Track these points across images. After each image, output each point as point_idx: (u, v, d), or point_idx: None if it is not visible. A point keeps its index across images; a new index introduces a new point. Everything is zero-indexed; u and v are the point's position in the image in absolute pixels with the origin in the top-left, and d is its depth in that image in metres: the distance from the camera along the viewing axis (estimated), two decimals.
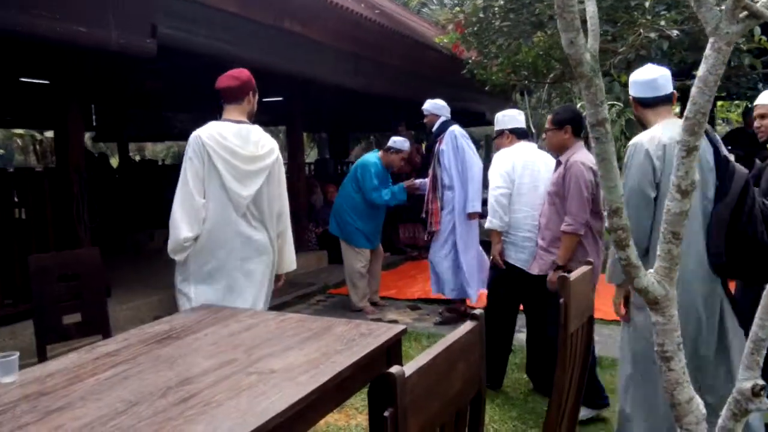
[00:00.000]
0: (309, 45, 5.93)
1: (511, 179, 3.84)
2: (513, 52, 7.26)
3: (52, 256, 3.20)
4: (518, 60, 7.70)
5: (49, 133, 19.34)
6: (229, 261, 3.04)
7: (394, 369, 1.00)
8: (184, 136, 4.41)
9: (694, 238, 2.49)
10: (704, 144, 2.52)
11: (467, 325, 1.27)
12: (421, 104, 5.53)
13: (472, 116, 11.51)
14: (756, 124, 3.23)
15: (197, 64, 6.53)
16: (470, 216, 5.18)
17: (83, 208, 4.66)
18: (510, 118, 4.19)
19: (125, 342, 2.20)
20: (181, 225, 2.97)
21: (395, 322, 5.24)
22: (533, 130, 8.51)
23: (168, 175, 10.13)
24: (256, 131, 3.19)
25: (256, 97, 3.30)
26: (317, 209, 8.59)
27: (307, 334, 2.28)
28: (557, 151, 3.58)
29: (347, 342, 2.16)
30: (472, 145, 5.45)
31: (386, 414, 0.99)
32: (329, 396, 1.91)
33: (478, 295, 5.30)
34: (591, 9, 1.19)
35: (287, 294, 6.14)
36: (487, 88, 8.31)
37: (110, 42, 3.72)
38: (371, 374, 2.17)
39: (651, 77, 2.70)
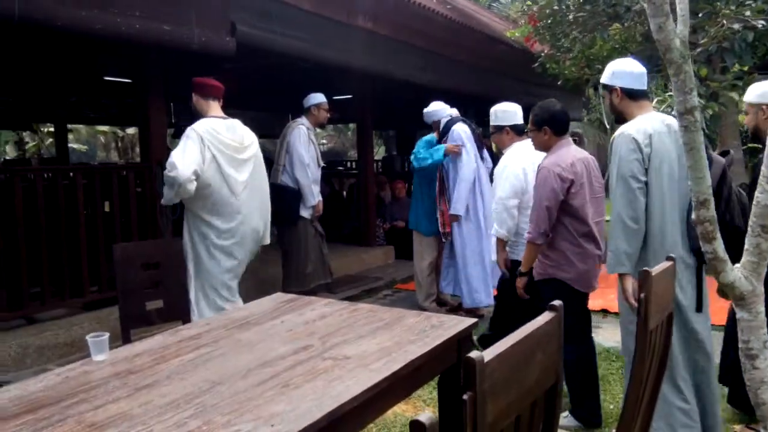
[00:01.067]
0: (380, 41, 5.98)
1: (522, 190, 3.86)
2: (587, 46, 7.10)
3: (135, 246, 3.37)
4: (593, 53, 7.51)
5: (131, 130, 20.26)
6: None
7: (474, 354, 1.01)
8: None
9: (677, 224, 2.61)
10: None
11: (546, 316, 1.26)
12: (491, 99, 5.46)
13: None
14: (745, 120, 3.29)
15: (265, 63, 6.71)
16: (453, 218, 5.11)
17: None
18: (511, 113, 4.14)
19: (207, 326, 2.29)
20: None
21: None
22: (607, 127, 8.28)
23: None
24: (240, 124, 3.79)
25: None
26: (385, 205, 8.65)
27: (378, 323, 2.31)
28: (543, 151, 3.44)
29: (419, 333, 2.18)
30: (474, 145, 5.24)
31: (465, 397, 1.00)
32: (401, 384, 1.93)
33: (490, 300, 5.10)
34: None
35: (354, 288, 6.22)
36: (559, 83, 8.14)
37: (192, 40, 3.87)
38: (442, 366, 2.18)
39: (641, 71, 2.76)
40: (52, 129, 15.23)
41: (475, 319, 2.35)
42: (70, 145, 14.17)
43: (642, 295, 1.72)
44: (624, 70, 2.79)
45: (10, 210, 4.07)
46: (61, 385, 1.80)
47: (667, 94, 5.34)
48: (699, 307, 2.63)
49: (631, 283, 2.66)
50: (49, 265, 4.24)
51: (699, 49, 5.16)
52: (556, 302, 1.28)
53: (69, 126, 13.45)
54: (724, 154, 2.80)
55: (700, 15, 5.23)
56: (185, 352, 2.02)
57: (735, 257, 2.49)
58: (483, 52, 7.95)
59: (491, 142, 4.61)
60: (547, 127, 3.33)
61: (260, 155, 3.86)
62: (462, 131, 5.21)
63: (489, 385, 1.03)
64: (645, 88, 2.78)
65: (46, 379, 1.85)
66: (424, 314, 2.44)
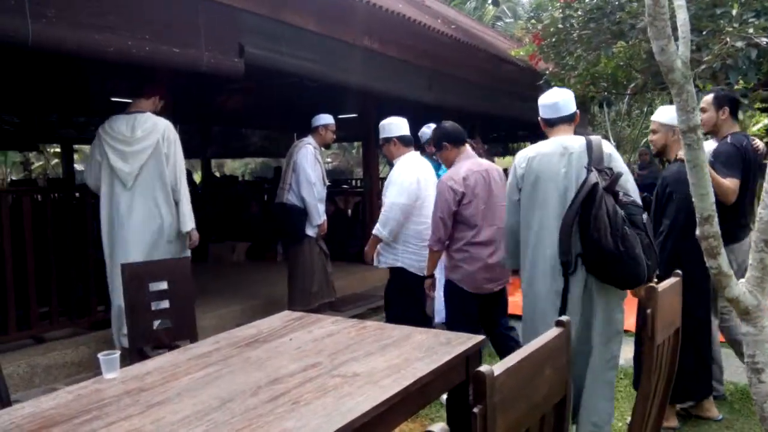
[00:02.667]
0: (385, 61, 6.05)
1: (416, 195, 4.08)
2: (592, 63, 7.15)
3: (144, 265, 3.38)
4: (597, 71, 7.56)
5: None
6: None
7: (484, 368, 1.03)
8: (261, 153, 4.66)
9: (553, 239, 2.85)
10: (582, 156, 2.87)
11: (554, 331, 1.28)
12: (496, 117, 5.52)
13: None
14: (650, 137, 3.59)
15: (272, 83, 6.79)
16: None
17: None
18: (396, 126, 4.30)
19: (216, 345, 2.31)
20: None
21: None
22: (612, 143, 8.32)
23: (248, 190, 10.52)
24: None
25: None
26: None
27: (387, 341, 2.32)
28: (449, 167, 3.87)
29: (427, 350, 2.19)
30: None
31: (475, 411, 1.02)
32: (410, 401, 1.94)
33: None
34: (682, 17, 1.19)
35: (360, 306, 6.22)
36: None
37: (202, 62, 3.93)
38: (450, 383, 2.19)
39: (553, 101, 3.05)
40: (57, 150, 15.37)
41: (482, 337, 2.36)
42: (75, 165, 14.27)
43: (648, 311, 1.73)
44: (541, 103, 3.11)
45: (19, 230, 4.11)
46: (74, 402, 1.82)
47: None
48: (563, 312, 2.83)
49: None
50: (57, 285, 4.26)
51: (703, 67, 5.19)
52: (564, 318, 1.30)
53: (75, 147, 13.57)
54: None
55: (703, 33, 5.27)
56: (195, 370, 2.04)
57: (602, 276, 2.80)
58: (488, 71, 8.02)
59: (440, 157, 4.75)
60: (446, 143, 3.79)
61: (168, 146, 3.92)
62: None
63: (499, 398, 1.05)
64: (556, 116, 3.05)
65: (59, 397, 1.88)
66: (432, 331, 2.45)
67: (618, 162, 2.95)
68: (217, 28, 4.08)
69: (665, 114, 3.41)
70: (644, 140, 15.05)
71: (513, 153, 20.17)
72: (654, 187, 4.69)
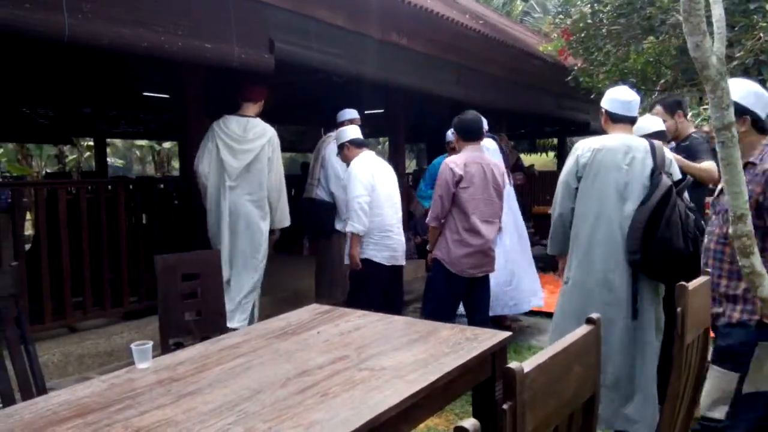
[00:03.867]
0: (413, 57, 6.04)
1: (372, 187, 4.28)
2: (621, 59, 7.06)
3: (176, 257, 3.43)
4: (627, 67, 7.46)
5: (167, 144, 20.69)
6: None
7: (514, 365, 1.04)
8: (288, 148, 4.77)
9: (609, 230, 2.93)
10: (646, 158, 2.95)
11: (584, 329, 1.28)
12: (523, 113, 5.51)
13: (577, 126, 11.24)
14: None
15: (300, 79, 6.82)
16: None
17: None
18: (347, 132, 4.56)
19: (246, 336, 2.35)
20: None
21: None
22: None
23: None
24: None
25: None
26: (416, 219, 8.66)
27: (413, 336, 2.33)
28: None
29: (453, 345, 2.20)
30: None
31: (505, 407, 1.02)
32: (436, 396, 1.95)
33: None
34: (717, 12, 1.18)
35: None
36: (592, 96, 8.09)
37: (233, 57, 3.98)
38: (476, 379, 2.19)
39: (628, 99, 3.11)
40: (91, 143, 15.65)
41: (509, 333, 2.36)
42: (108, 158, 14.51)
43: (678, 309, 1.72)
44: (611, 97, 3.17)
45: (54, 222, 4.20)
46: (108, 391, 1.87)
47: (702, 107, 5.29)
48: (635, 315, 2.91)
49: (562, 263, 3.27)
50: (90, 276, 4.36)
51: (735, 63, 5.09)
52: (594, 315, 1.29)
53: (107, 140, 13.79)
54: None
55: (736, 28, 5.17)
56: (226, 361, 2.07)
57: (673, 277, 2.72)
58: (516, 67, 7.97)
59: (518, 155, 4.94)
60: (457, 135, 4.13)
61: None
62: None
63: (529, 395, 1.05)
64: (626, 114, 3.11)
65: (93, 386, 1.92)
66: (458, 327, 2.45)
67: (676, 168, 3.06)
68: (247, 24, 4.13)
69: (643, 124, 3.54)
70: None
71: (539, 150, 20.01)
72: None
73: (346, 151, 4.51)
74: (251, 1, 4.17)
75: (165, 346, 3.12)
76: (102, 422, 1.63)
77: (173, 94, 6.76)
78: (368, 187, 4.26)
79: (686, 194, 3.02)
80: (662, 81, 7.67)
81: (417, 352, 2.13)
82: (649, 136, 3.38)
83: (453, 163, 3.93)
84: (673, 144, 3.72)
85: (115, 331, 4.37)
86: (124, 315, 4.62)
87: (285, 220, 4.51)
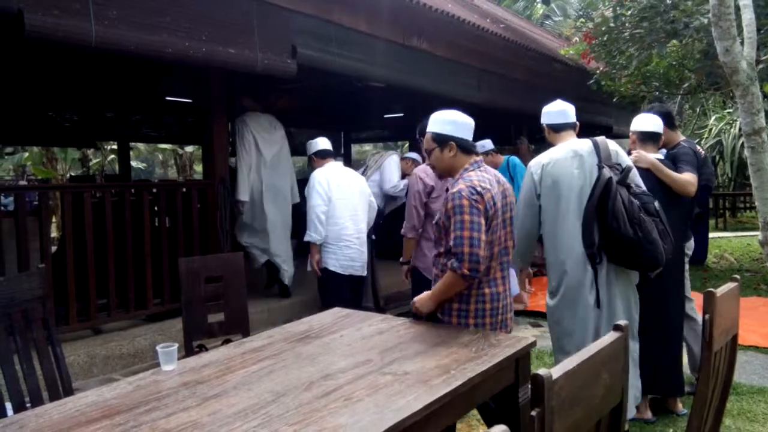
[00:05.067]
0: (434, 61, 6.05)
1: (329, 198, 4.36)
2: (644, 62, 7.00)
3: (200, 260, 3.46)
4: (649, 70, 7.41)
5: (189, 148, 20.88)
6: None
7: (542, 371, 1.03)
8: (305, 153, 4.99)
9: (576, 234, 3.05)
10: (591, 157, 3.10)
11: (612, 335, 1.27)
12: None
13: (599, 130, 11.14)
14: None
15: (323, 83, 6.86)
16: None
17: (225, 216, 5.02)
18: (313, 144, 4.71)
19: (269, 339, 2.36)
20: None
21: None
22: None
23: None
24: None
25: None
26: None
27: (436, 340, 2.33)
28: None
29: (476, 350, 2.19)
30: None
31: (534, 414, 1.02)
32: (459, 401, 1.95)
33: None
34: (747, 17, 1.17)
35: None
36: (614, 100, 8.03)
37: (256, 63, 4.01)
38: (499, 385, 2.19)
39: (561, 108, 3.32)
40: (114, 146, 15.84)
41: (533, 339, 2.35)
42: (131, 162, 14.67)
43: (706, 316, 1.70)
44: (546, 111, 3.37)
45: (79, 225, 4.26)
46: (134, 393, 1.89)
47: (726, 111, 5.25)
48: (597, 304, 3.06)
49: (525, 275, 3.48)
50: (115, 279, 4.41)
51: (762, 66, 5.03)
52: (622, 322, 1.29)
53: (130, 144, 13.94)
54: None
55: (761, 31, 5.11)
56: (250, 364, 2.09)
57: (630, 262, 3.01)
58: (537, 70, 7.93)
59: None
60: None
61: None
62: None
63: (557, 402, 1.05)
64: (565, 122, 3.31)
65: (120, 387, 1.95)
66: (481, 332, 2.45)
67: (624, 157, 3.19)
68: (270, 29, 4.16)
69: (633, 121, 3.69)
70: (696, 141, 14.63)
71: None
72: (707, 189, 4.69)
73: (314, 162, 4.67)
74: (274, 6, 4.21)
75: (188, 347, 3.15)
76: (129, 424, 1.65)
77: (196, 99, 6.83)
78: (325, 198, 4.34)
79: (638, 179, 3.15)
80: (685, 85, 7.59)
81: (440, 357, 2.13)
82: (643, 135, 3.54)
83: (423, 173, 3.95)
84: (664, 150, 3.75)
85: (139, 332, 4.41)
86: (148, 317, 4.67)
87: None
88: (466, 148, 2.66)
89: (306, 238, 4.40)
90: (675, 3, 6.09)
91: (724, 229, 13.03)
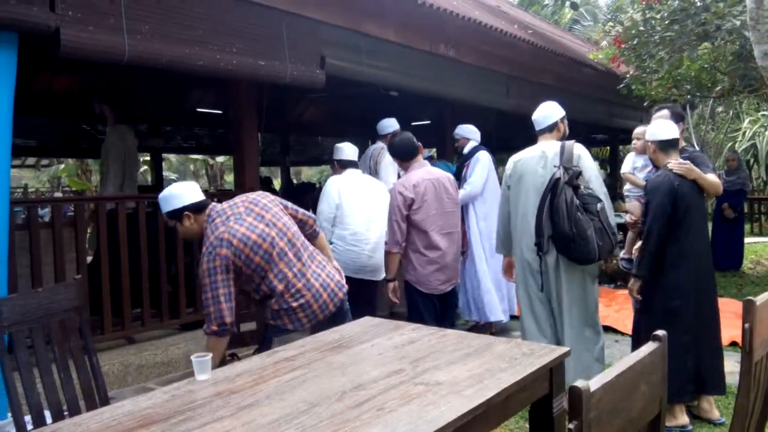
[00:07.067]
0: (462, 68, 6.04)
1: (336, 205, 4.38)
2: (674, 66, 6.90)
3: None
4: (680, 74, 7.29)
5: (220, 158, 21.15)
6: None
7: (580, 383, 1.02)
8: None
9: (532, 224, 3.58)
10: (555, 158, 3.53)
11: (650, 346, 1.25)
12: (573, 122, 5.43)
13: (628, 134, 10.99)
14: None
15: (350, 92, 6.89)
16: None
17: None
18: (339, 150, 4.67)
19: (301, 348, 2.37)
20: None
21: None
22: (696, 147, 7.99)
23: None
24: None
25: None
26: None
27: (468, 350, 2.31)
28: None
29: (510, 360, 2.17)
30: (494, 172, 5.60)
31: (571, 426, 1.01)
32: (493, 412, 1.93)
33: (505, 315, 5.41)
34: None
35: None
36: (645, 104, 7.92)
37: (285, 74, 4.05)
38: (533, 395, 2.16)
39: (533, 117, 3.81)
40: (147, 158, 16.11)
41: (567, 348, 2.32)
42: (164, 173, 14.90)
43: (746, 325, 1.66)
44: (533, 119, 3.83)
45: (114, 236, 4.34)
46: (169, 402, 1.91)
47: (760, 113, 5.15)
48: (541, 288, 3.62)
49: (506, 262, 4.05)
50: (149, 288, 4.48)
51: None
52: (660, 332, 1.26)
53: (162, 155, 14.16)
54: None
55: None
56: (282, 373, 2.10)
57: (569, 253, 3.44)
58: (566, 75, 7.86)
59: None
60: (397, 158, 4.23)
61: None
62: (487, 158, 5.47)
63: (595, 415, 1.03)
64: (537, 128, 3.79)
65: (155, 397, 1.97)
66: (514, 341, 2.42)
67: (586, 162, 3.60)
68: (299, 41, 4.20)
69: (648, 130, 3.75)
70: (729, 144, 14.35)
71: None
72: (741, 193, 4.62)
73: (335, 168, 4.70)
74: (303, 18, 4.25)
75: (221, 357, 3.18)
76: None
77: (227, 110, 6.91)
78: (332, 205, 4.40)
79: (596, 183, 3.56)
80: (718, 88, 7.46)
81: (472, 366, 2.11)
82: (663, 144, 3.49)
83: (402, 186, 3.96)
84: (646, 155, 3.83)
85: (173, 342, 4.47)
86: (181, 326, 4.73)
87: None
88: (198, 208, 2.93)
89: None
90: (706, 5, 5.99)
91: (760, 234, 12.73)
